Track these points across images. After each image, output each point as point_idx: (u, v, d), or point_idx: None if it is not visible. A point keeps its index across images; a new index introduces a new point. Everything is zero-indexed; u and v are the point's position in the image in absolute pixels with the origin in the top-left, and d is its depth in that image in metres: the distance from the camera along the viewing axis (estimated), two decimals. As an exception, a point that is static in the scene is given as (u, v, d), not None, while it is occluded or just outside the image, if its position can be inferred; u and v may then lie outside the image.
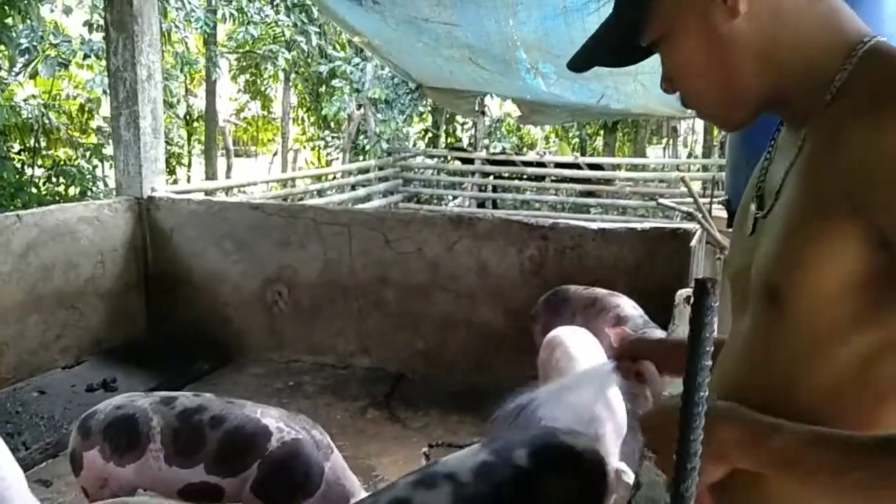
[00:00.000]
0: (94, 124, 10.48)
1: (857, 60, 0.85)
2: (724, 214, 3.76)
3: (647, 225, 4.09)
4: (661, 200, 4.71)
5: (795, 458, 0.78)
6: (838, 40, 0.87)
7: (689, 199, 3.67)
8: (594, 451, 2.18)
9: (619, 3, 0.99)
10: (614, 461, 2.53)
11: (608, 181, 11.10)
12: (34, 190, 8.65)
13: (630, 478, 2.47)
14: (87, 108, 10.28)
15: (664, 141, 19.41)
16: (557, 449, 2.12)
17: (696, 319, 0.56)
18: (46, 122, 8.96)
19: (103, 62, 8.31)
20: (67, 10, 9.73)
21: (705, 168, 11.86)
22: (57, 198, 8.85)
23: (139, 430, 2.33)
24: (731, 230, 3.61)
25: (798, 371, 0.86)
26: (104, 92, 8.77)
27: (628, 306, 3.19)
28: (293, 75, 15.25)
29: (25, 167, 9.07)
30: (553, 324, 3.35)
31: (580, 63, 1.06)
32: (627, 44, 0.98)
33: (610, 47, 1.02)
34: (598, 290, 3.44)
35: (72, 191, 9.23)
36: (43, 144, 9.31)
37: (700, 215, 3.35)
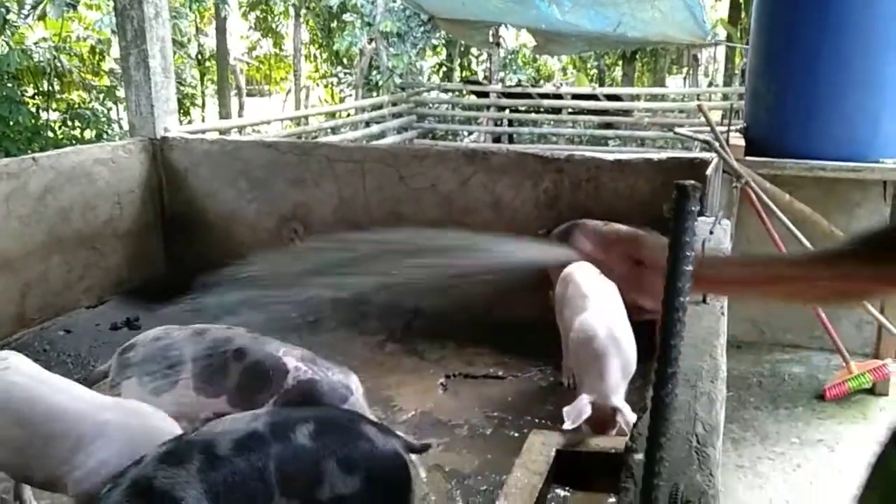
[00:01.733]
0: (105, 66, 10.40)
1: None
2: (742, 143, 3.70)
3: (663, 155, 4.03)
4: (678, 130, 4.62)
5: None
6: None
7: (708, 129, 3.60)
8: (397, 455, 1.91)
9: None
10: (616, 399, 2.56)
11: (627, 112, 10.90)
12: (50, 134, 8.67)
13: (631, 418, 2.50)
14: (98, 50, 10.19)
15: (684, 70, 18.91)
16: (352, 438, 1.85)
17: (677, 223, 0.55)
18: (58, 64, 8.90)
19: (111, 2, 8.19)
20: (72, -51, 9.53)
21: (725, 97, 11.57)
22: (73, 141, 8.87)
23: (172, 362, 2.41)
24: (749, 158, 3.55)
25: None
26: (113, 32, 8.67)
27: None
28: (304, 10, 14.96)
29: (40, 111, 9.07)
30: None
31: None
32: None
33: None
34: (617, 227, 3.41)
35: (87, 133, 9.24)
36: (56, 88, 9.27)
37: (717, 144, 3.29)
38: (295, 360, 2.37)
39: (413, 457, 2.01)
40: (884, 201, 3.61)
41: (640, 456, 0.97)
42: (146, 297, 4.32)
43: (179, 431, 2.00)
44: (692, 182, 0.56)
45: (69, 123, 9.17)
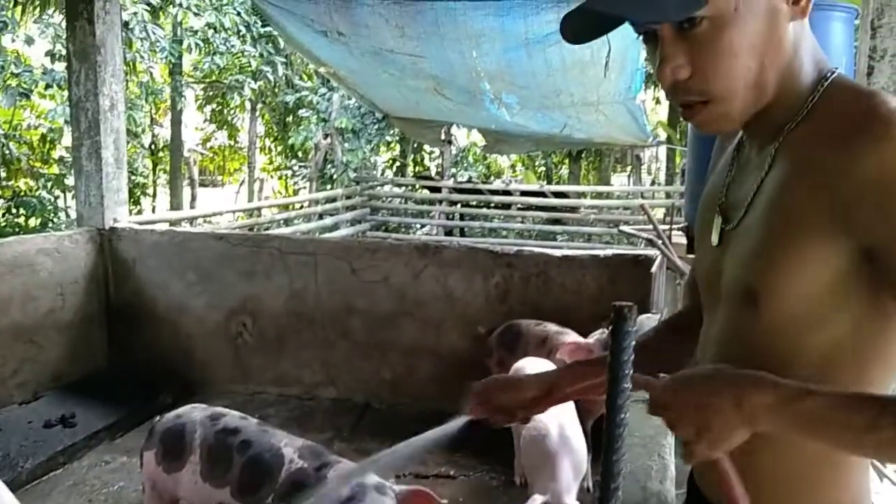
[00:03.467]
0: (55, 154, 10.34)
1: (823, 90, 0.94)
2: (684, 241, 3.85)
3: (609, 252, 4.15)
4: (623, 228, 4.79)
5: (827, 418, 0.84)
6: (814, 69, 0.96)
7: (651, 227, 3.75)
8: None
9: None
10: (569, 499, 2.55)
11: (573, 209, 11.25)
12: (-7, 221, 8.48)
13: None
14: (48, 139, 10.15)
15: (628, 169, 19.73)
16: None
17: (615, 344, 0.58)
18: (7, 152, 8.82)
19: (65, 92, 8.23)
20: (29, 41, 9.64)
21: (668, 195, 12.07)
22: (17, 229, 8.68)
23: (185, 442, 2.37)
24: (690, 256, 3.69)
25: (777, 360, 0.93)
26: (66, 122, 8.68)
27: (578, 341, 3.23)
28: (260, 105, 15.25)
29: (-16, 198, 8.90)
30: (507, 359, 3.38)
31: (579, 31, 0.99)
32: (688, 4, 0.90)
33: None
34: (550, 328, 3.48)
35: (32, 222, 9.07)
36: (3, 175, 9.15)
37: (660, 242, 3.41)
38: (291, 453, 2.28)
39: None
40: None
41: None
42: (85, 392, 4.15)
43: None
44: (628, 303, 0.59)
45: (13, 211, 9.01)
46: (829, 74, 0.95)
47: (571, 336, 3.30)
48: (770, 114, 0.96)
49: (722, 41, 0.91)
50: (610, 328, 0.59)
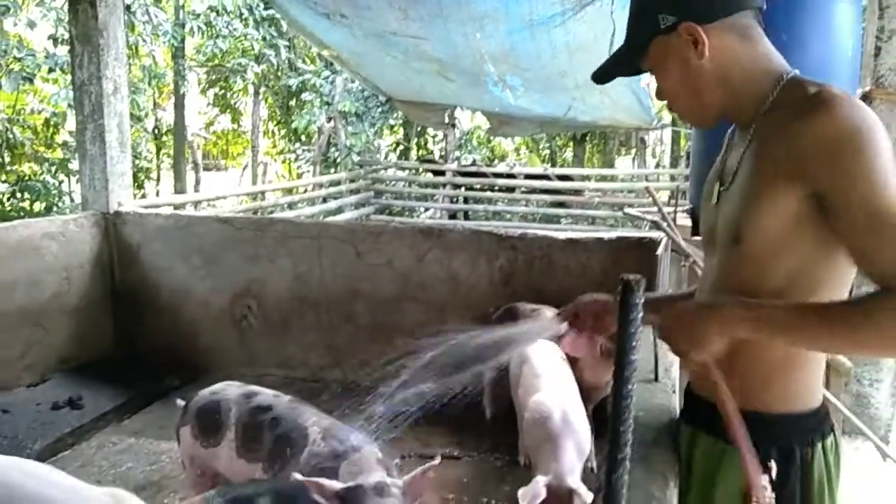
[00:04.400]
0: (59, 139, 10.34)
1: (782, 86, 1.30)
2: (689, 223, 3.84)
3: (613, 234, 4.14)
4: (627, 210, 4.78)
5: (783, 322, 1.20)
6: (768, 72, 1.32)
7: (656, 209, 3.73)
8: None
9: (628, 39, 1.43)
10: (572, 480, 2.55)
11: (577, 192, 11.22)
12: (-3, 206, 8.50)
13: (587, 498, 2.49)
14: (52, 123, 10.15)
15: (633, 152, 19.65)
16: None
17: (622, 316, 0.58)
18: (10, 136, 8.82)
19: (68, 76, 8.21)
20: (31, 24, 9.60)
21: (672, 178, 12.03)
22: (21, 213, 8.70)
23: (220, 419, 2.42)
24: (695, 238, 3.69)
25: (753, 283, 1.29)
26: (69, 106, 8.67)
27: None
28: (263, 88, 15.20)
29: (-12, 183, 8.91)
30: None
31: (600, 77, 1.52)
32: (633, 66, 1.44)
33: (622, 67, 1.48)
34: (545, 312, 3.49)
35: (37, 206, 9.09)
36: (7, 159, 9.16)
37: (665, 224, 3.40)
38: (316, 433, 2.29)
39: None
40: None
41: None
42: (92, 375, 4.18)
43: None
44: (636, 276, 0.59)
45: (18, 195, 9.02)
46: (785, 75, 1.31)
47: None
48: (743, 109, 1.34)
49: (664, 82, 1.41)
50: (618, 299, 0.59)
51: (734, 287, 1.30)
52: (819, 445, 1.33)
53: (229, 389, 2.56)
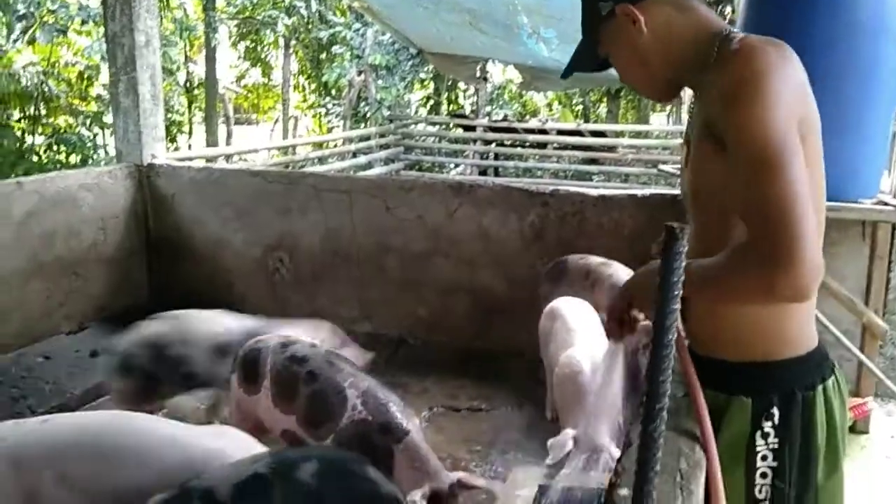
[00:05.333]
0: (93, 92, 10.42)
1: (717, 46, 1.34)
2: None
3: (647, 192, 4.07)
4: (662, 167, 4.69)
5: (688, 280, 1.20)
6: (707, 36, 1.37)
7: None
8: (397, 500, 1.82)
9: (583, 33, 1.52)
10: (602, 436, 2.56)
11: (611, 148, 11.04)
12: (35, 158, 8.64)
13: (615, 453, 2.49)
14: (86, 76, 10.22)
15: (668, 108, 19.23)
16: (357, 479, 1.80)
17: (665, 265, 0.56)
18: (46, 89, 8.91)
19: (101, 28, 8.24)
20: (64, -24, 9.60)
21: (708, 135, 11.77)
22: (58, 166, 8.84)
23: (259, 367, 2.48)
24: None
25: (717, 240, 1.33)
26: (102, 58, 8.71)
27: (622, 273, 3.20)
28: (293, 42, 15.11)
29: (26, 135, 9.05)
30: (553, 294, 3.38)
31: (565, 74, 1.61)
32: (594, 57, 1.53)
33: (584, 60, 1.56)
34: (592, 260, 3.45)
35: (73, 158, 9.22)
36: (43, 112, 9.27)
37: (700, 181, 3.33)
38: (355, 397, 2.25)
39: None
40: (863, 241, 3.67)
41: (624, 492, 0.97)
42: (129, 324, 4.27)
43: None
44: (680, 224, 0.58)
45: (54, 148, 9.15)
46: (723, 33, 1.35)
47: (615, 267, 3.26)
48: (691, 75, 1.40)
49: (617, 63, 1.50)
50: (661, 247, 0.57)
51: (703, 246, 1.33)
52: (820, 388, 1.34)
53: (271, 339, 2.60)
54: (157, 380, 2.98)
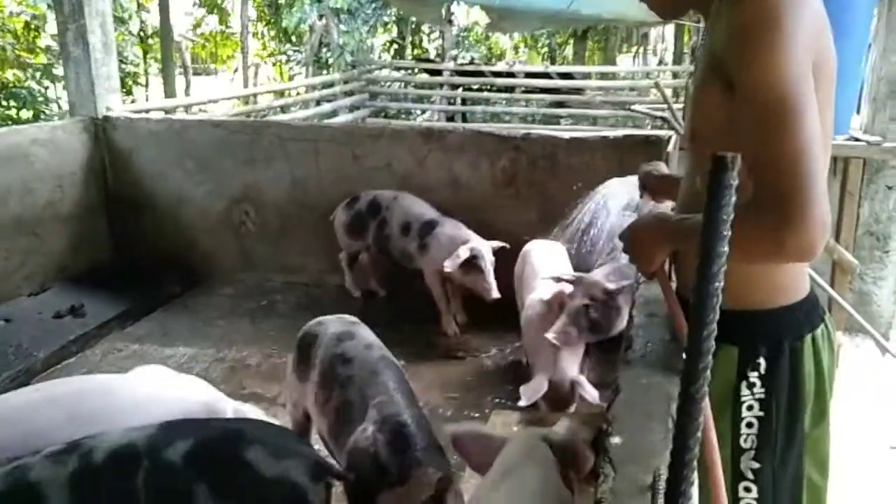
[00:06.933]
0: (41, 43, 9.94)
1: None
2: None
3: (619, 133, 4.03)
4: (635, 107, 4.64)
5: (686, 235, 1.24)
6: None
7: (661, 107, 3.61)
8: (287, 484, 1.68)
9: None
10: (572, 374, 2.57)
11: (579, 90, 10.93)
12: (-17, 114, 8.27)
13: (591, 390, 2.50)
14: (32, 26, 9.73)
15: (634, 49, 19.06)
16: (232, 463, 1.68)
17: (712, 201, 0.50)
18: (-10, 41, 8.47)
19: (45, -26, 7.82)
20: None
21: (675, 75, 11.71)
22: (8, 122, 8.48)
23: (312, 355, 2.23)
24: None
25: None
26: (49, 7, 8.29)
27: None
28: (250, -14, 14.55)
29: (-29, 90, 8.65)
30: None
31: None
32: None
33: None
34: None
35: (24, 114, 8.85)
36: (-11, 65, 8.84)
37: (674, 120, 3.29)
38: (373, 421, 1.94)
39: None
40: (834, 177, 3.68)
41: (617, 440, 0.94)
42: (91, 283, 4.16)
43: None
44: (731, 153, 0.51)
45: (3, 103, 8.77)
46: None
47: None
48: (703, 3, 1.34)
49: None
50: (708, 178, 0.51)
51: (696, 185, 1.32)
52: (808, 337, 1.31)
53: (332, 325, 2.31)
54: None
